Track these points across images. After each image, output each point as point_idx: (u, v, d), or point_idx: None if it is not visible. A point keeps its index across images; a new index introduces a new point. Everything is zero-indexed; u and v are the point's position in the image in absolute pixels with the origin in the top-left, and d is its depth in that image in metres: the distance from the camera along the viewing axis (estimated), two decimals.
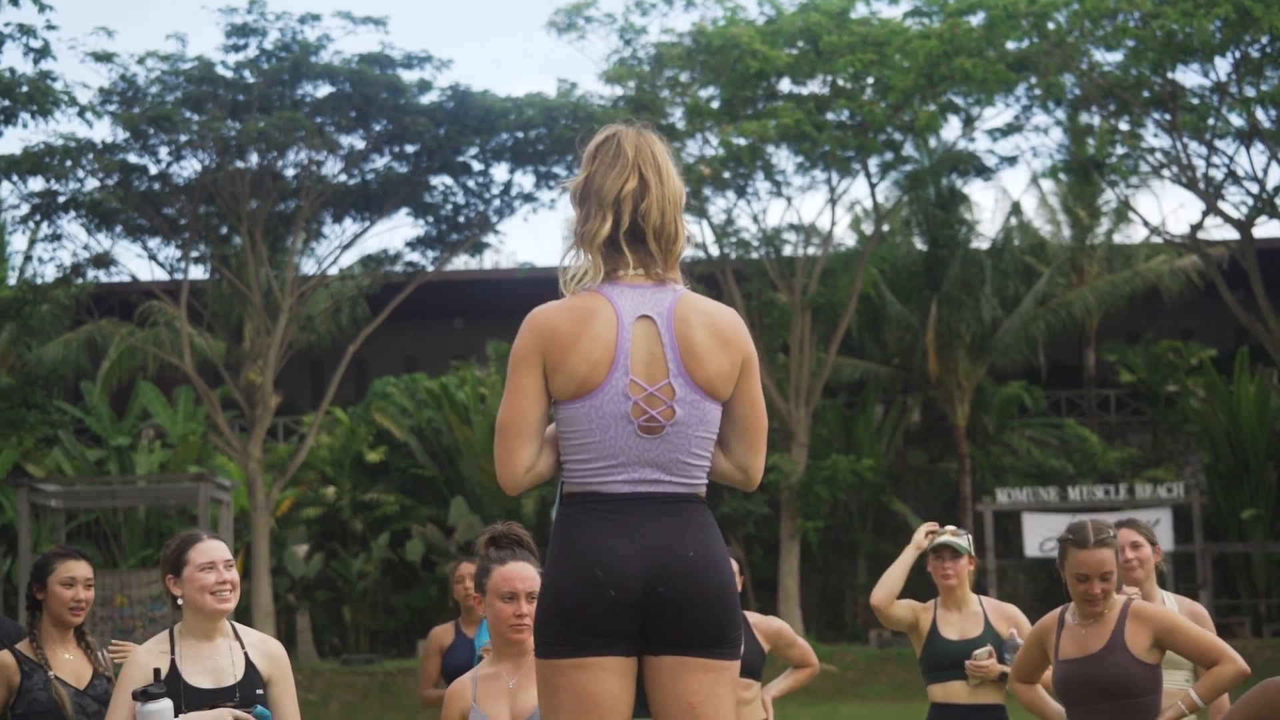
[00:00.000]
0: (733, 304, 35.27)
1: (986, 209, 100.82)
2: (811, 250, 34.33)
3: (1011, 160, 34.03)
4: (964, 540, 7.50)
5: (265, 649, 5.34)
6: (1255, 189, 32.46)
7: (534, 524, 36.98)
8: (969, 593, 7.48)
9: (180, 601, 5.31)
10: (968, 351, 35.02)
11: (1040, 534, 32.76)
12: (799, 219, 35.14)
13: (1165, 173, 32.76)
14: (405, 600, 37.25)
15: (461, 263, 37.94)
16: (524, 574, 5.22)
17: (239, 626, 5.37)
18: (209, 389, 32.72)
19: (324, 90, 30.56)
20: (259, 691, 5.16)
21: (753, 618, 7.30)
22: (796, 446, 33.02)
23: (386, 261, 33.60)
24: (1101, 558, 5.82)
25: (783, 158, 32.76)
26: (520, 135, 31.13)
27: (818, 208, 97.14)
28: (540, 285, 37.42)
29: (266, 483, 32.93)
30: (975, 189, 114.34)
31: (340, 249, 33.19)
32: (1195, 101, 30.96)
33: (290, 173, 31.37)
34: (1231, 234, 33.98)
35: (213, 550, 5.32)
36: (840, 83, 31.09)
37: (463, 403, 38.36)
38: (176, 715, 5.05)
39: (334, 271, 33.97)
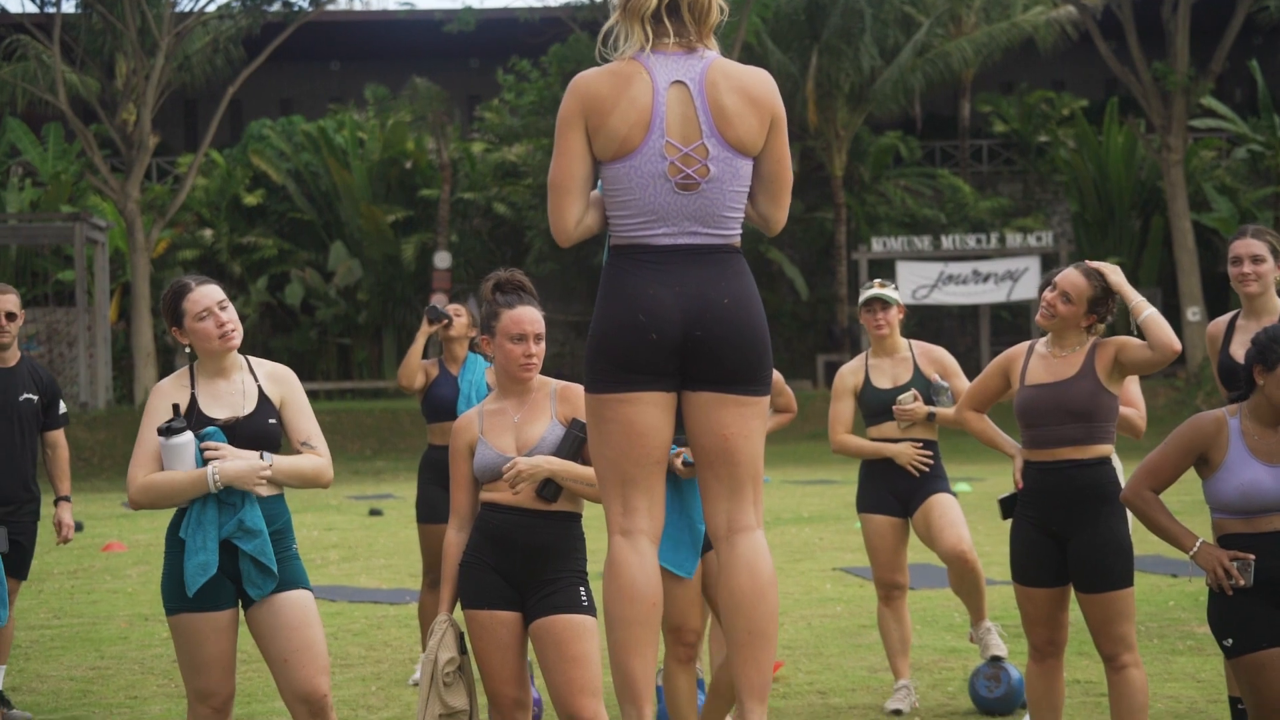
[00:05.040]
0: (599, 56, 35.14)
1: None
2: None
3: None
4: (891, 291, 7.89)
5: (275, 375, 5.57)
6: None
7: (413, 269, 37.16)
8: (899, 340, 7.92)
9: (188, 350, 5.51)
10: (846, 101, 35.27)
11: (914, 281, 33.51)
12: None
13: None
14: (284, 343, 37.44)
15: (341, 3, 37.33)
16: (532, 317, 5.49)
17: (253, 360, 5.59)
18: (84, 126, 32.20)
19: None
20: (271, 421, 5.45)
21: None
22: None
23: (265, 0, 32.95)
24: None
25: None
26: None
27: None
28: (421, 28, 36.65)
29: (145, 224, 32.69)
30: None
31: None
32: None
33: None
34: None
35: (204, 298, 5.46)
36: None
37: (341, 146, 38.10)
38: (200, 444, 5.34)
39: (211, 9, 33.31)
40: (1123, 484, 6.27)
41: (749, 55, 35.67)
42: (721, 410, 4.51)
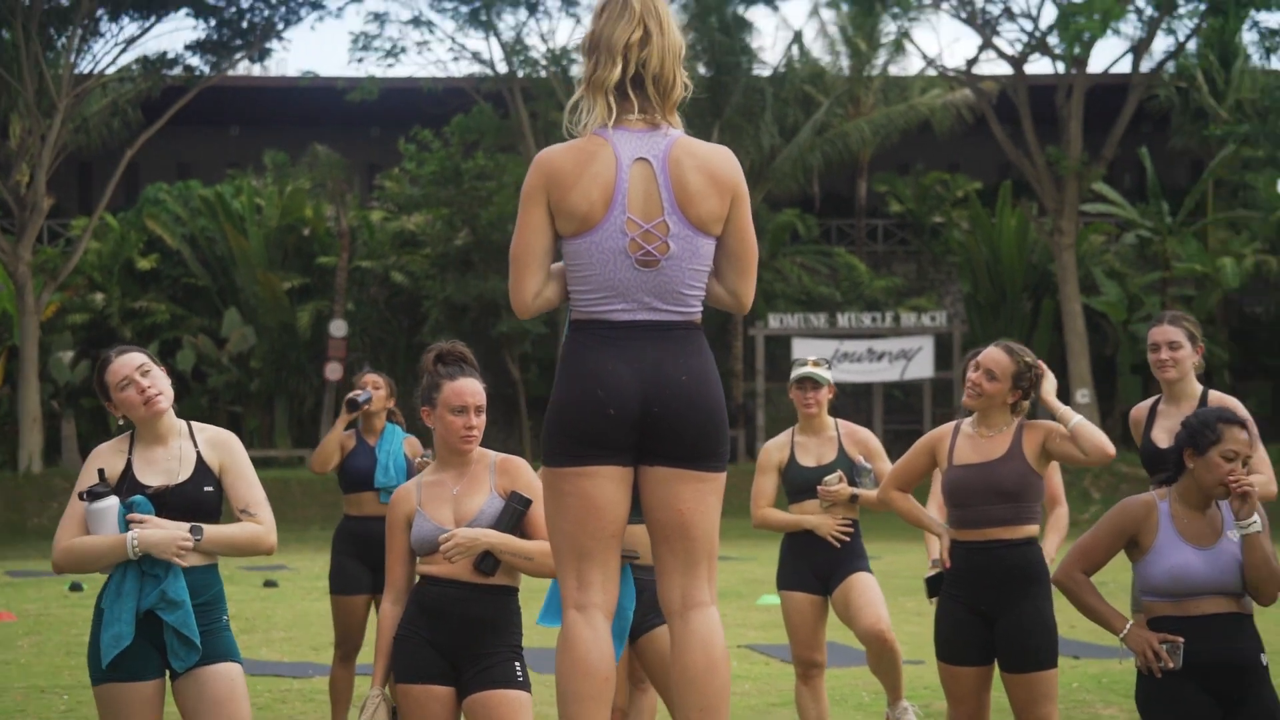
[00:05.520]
0: (518, 122, 35.32)
1: (769, 36, 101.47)
2: None
3: None
4: (824, 371, 7.90)
5: (215, 441, 5.45)
6: (1029, 26, 33.48)
7: (308, 337, 36.89)
8: (826, 419, 7.91)
9: (121, 422, 5.45)
10: (746, 178, 35.49)
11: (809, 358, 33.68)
12: None
13: (945, 5, 33.55)
14: (174, 410, 36.87)
15: (242, 69, 37.16)
16: (473, 389, 5.48)
17: (195, 425, 5.49)
18: None
19: None
20: (207, 489, 5.34)
21: None
22: None
23: (165, 65, 32.75)
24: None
25: None
26: None
27: None
28: (323, 95, 36.39)
29: (36, 287, 32.23)
30: (758, 15, 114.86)
31: (118, 48, 32.26)
32: None
33: None
34: (1004, 69, 35.01)
35: (123, 367, 5.38)
36: None
37: (238, 212, 37.80)
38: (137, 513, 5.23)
39: (111, 72, 33.02)
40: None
41: None
42: (679, 486, 4.51)
